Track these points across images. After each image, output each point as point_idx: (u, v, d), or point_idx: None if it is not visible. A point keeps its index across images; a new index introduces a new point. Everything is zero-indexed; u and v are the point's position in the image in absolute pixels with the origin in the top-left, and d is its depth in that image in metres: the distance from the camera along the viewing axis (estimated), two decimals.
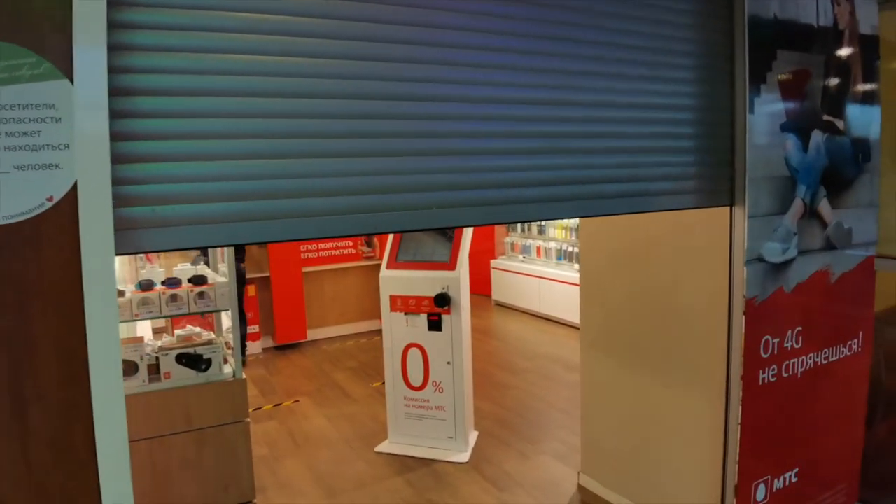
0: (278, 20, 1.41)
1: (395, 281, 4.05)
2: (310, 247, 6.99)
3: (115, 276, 1.19)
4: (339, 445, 4.27)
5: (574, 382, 5.30)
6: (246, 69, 1.38)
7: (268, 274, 6.69)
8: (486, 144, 1.75)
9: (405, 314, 4.02)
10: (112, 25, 1.20)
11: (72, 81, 1.15)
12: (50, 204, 1.15)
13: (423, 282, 3.96)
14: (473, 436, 4.23)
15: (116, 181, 1.23)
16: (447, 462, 3.91)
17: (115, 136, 1.23)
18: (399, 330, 4.06)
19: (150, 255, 3.96)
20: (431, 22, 1.63)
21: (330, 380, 5.69)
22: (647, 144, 2.08)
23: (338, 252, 7.17)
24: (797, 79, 2.32)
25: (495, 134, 1.76)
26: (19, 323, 1.16)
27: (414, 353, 4.03)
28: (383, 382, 5.49)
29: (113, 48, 1.21)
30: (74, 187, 1.16)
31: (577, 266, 7.37)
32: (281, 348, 6.79)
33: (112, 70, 1.20)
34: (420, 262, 4.05)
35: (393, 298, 4.04)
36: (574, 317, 7.20)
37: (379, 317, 7.28)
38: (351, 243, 7.21)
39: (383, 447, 4.15)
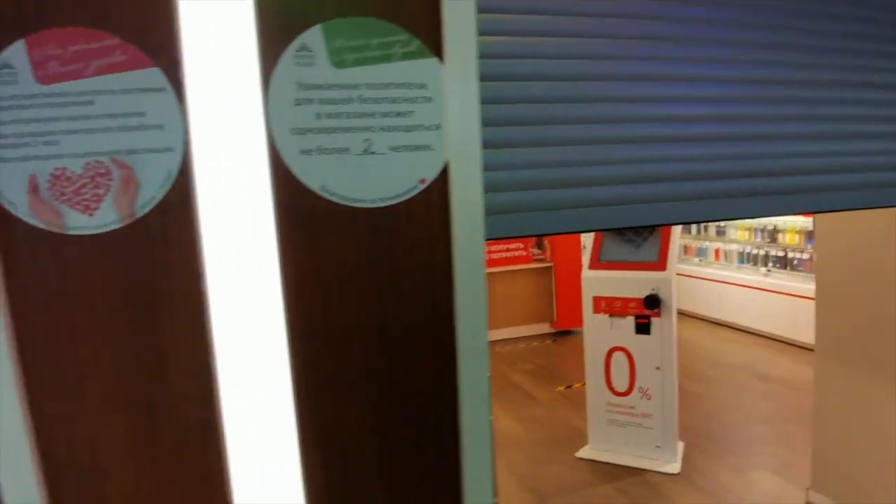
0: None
1: (598, 282, 3.90)
2: None
3: (484, 258, 1.16)
4: (535, 448, 4.18)
5: (771, 393, 4.92)
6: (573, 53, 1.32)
7: None
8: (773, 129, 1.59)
9: (609, 316, 3.86)
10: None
11: (441, 60, 1.13)
12: (422, 186, 1.14)
13: (630, 282, 3.79)
14: (680, 446, 3.98)
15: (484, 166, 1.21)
16: (657, 472, 3.71)
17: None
18: (602, 332, 3.91)
19: None
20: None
21: (510, 382, 5.64)
22: None
23: (508, 254, 7.10)
24: None
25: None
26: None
27: (619, 357, 3.87)
28: (568, 387, 5.37)
29: (482, 33, 1.18)
30: (445, 169, 1.14)
31: (762, 269, 6.84)
32: None
33: (480, 55, 1.17)
34: (626, 263, 3.88)
35: (596, 300, 3.90)
36: (761, 324, 6.70)
37: (550, 320, 7.21)
38: (521, 245, 7.12)
39: (584, 452, 4.02)
